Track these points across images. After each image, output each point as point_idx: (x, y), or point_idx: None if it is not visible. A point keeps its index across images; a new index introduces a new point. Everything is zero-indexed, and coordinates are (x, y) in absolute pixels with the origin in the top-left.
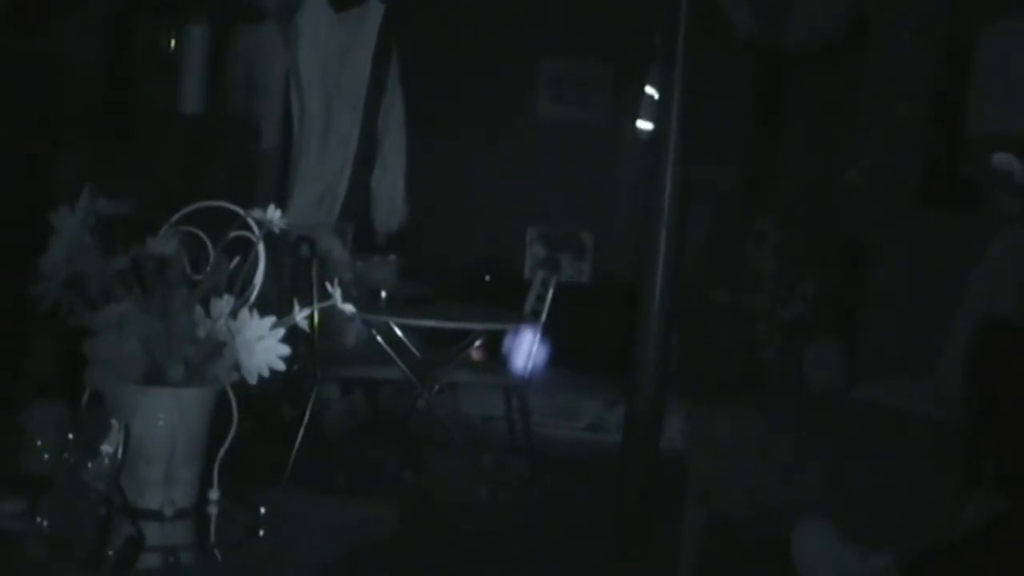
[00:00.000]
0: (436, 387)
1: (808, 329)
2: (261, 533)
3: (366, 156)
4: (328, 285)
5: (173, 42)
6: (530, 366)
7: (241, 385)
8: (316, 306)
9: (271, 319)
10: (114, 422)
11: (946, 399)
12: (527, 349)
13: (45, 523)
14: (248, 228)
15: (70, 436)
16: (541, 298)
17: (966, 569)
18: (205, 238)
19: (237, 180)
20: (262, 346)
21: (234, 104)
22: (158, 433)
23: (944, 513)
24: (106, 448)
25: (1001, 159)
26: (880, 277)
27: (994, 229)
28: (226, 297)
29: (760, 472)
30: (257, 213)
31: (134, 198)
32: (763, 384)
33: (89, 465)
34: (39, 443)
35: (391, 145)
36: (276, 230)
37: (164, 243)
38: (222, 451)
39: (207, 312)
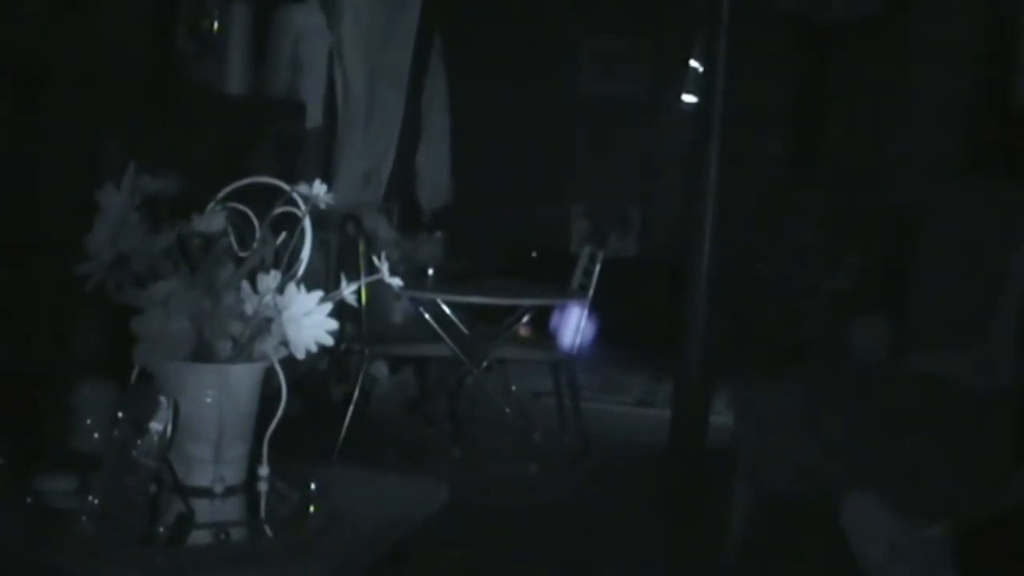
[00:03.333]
0: (484, 363)
1: (854, 302)
2: (311, 509)
3: (411, 134)
4: (375, 259)
5: (216, 22)
6: (578, 342)
7: (290, 365)
8: (363, 281)
9: (318, 294)
10: (163, 399)
11: (996, 370)
12: (574, 325)
13: (95, 501)
14: (294, 204)
15: (119, 414)
16: (588, 273)
17: (1017, 541)
18: (251, 214)
19: (282, 159)
20: (310, 321)
21: (278, 84)
22: (207, 410)
23: (994, 485)
24: (155, 426)
25: None
26: (927, 249)
27: None
28: (273, 272)
29: (808, 446)
30: (303, 188)
31: (179, 176)
32: (810, 357)
33: (138, 443)
34: (88, 422)
35: (436, 122)
36: (322, 205)
37: (210, 220)
38: (271, 427)
39: (254, 288)
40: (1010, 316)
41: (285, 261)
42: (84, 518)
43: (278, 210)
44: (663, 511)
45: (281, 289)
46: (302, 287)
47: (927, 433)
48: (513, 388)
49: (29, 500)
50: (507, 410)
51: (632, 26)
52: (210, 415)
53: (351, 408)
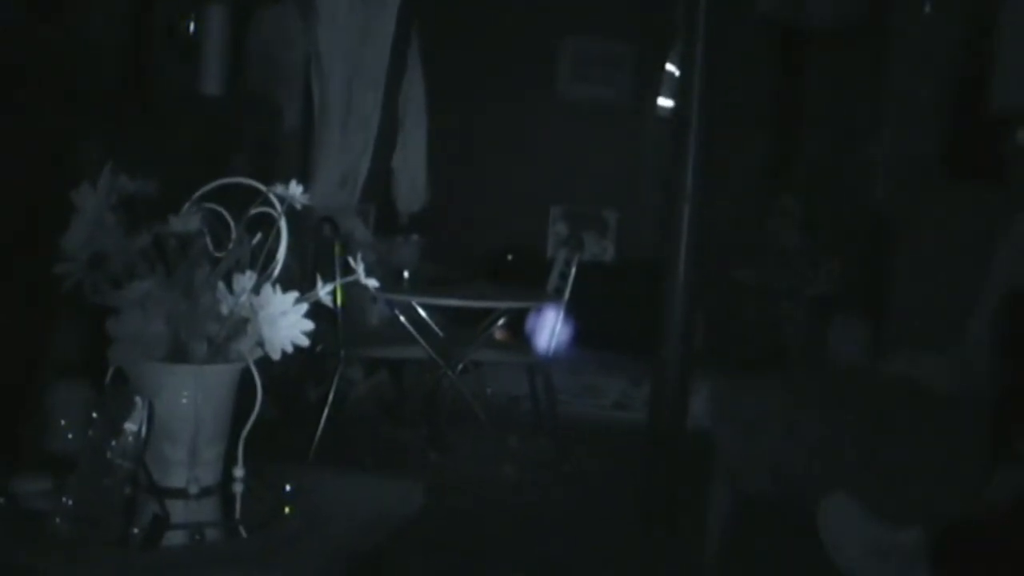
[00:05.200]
0: (460, 366)
1: (833, 305)
2: (287, 511)
3: (388, 137)
4: (351, 261)
5: (193, 24)
6: (554, 344)
7: (265, 366)
8: (339, 281)
9: (294, 294)
10: (138, 400)
11: (973, 373)
12: (550, 328)
13: (70, 502)
14: (270, 205)
15: (94, 415)
16: (564, 276)
17: (994, 543)
18: (227, 215)
19: (258, 161)
20: (286, 321)
21: (254, 85)
22: (182, 411)
23: (972, 487)
24: (130, 426)
25: None
26: (905, 252)
27: (1019, 202)
28: (248, 273)
29: (787, 448)
30: (279, 189)
31: (155, 177)
32: (788, 360)
33: (113, 444)
34: (63, 422)
35: (412, 125)
36: (298, 206)
37: (186, 220)
38: (247, 428)
39: (230, 289)
40: (987, 319)
41: (261, 262)
42: (59, 519)
43: (254, 211)
44: (640, 514)
45: (257, 289)
46: (278, 288)
47: (904, 436)
48: (489, 391)
49: (3, 501)
50: (483, 413)
51: (611, 29)
52: (185, 416)
53: (326, 410)
